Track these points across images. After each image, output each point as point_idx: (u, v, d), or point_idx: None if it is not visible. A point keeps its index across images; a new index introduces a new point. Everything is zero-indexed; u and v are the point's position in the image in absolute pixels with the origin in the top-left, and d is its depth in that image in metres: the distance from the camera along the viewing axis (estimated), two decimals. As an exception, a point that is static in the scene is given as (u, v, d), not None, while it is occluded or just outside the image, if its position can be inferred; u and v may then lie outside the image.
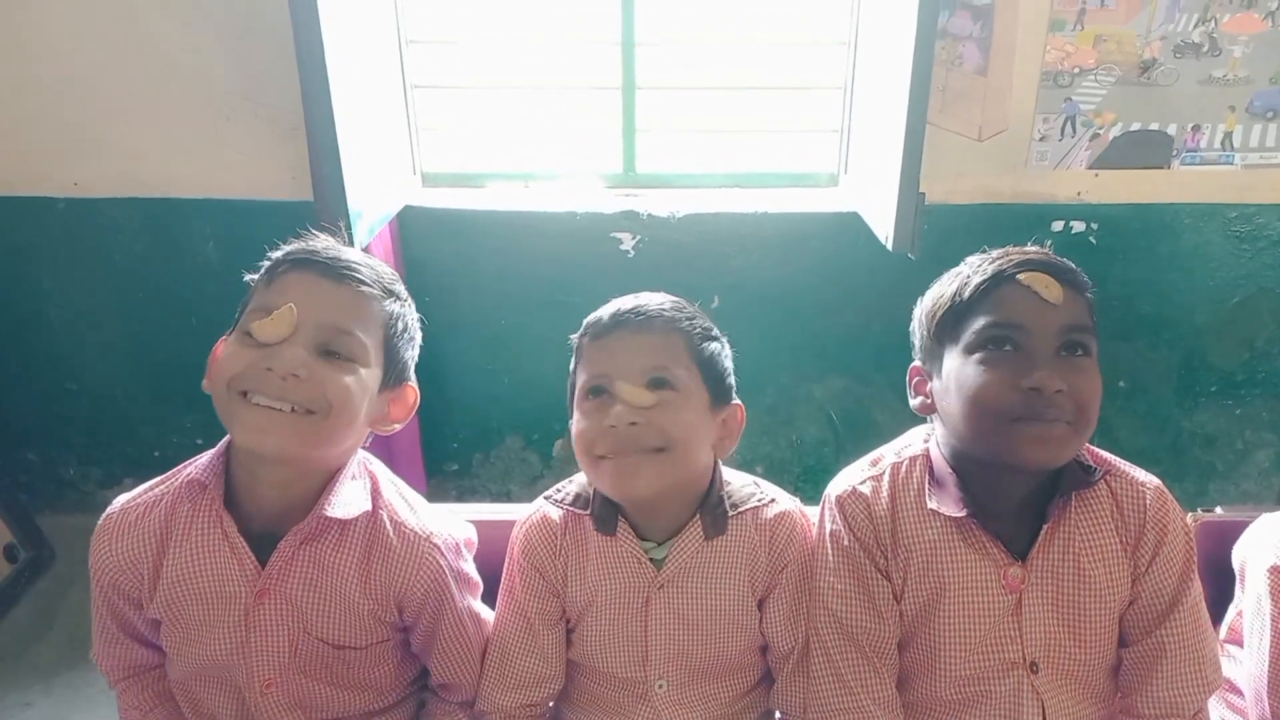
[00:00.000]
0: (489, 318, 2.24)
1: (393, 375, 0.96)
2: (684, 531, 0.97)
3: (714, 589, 0.98)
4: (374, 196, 1.90)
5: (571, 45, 2.28)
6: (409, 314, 0.98)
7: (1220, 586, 1.11)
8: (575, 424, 0.95)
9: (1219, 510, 1.16)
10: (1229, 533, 1.11)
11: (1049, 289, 0.88)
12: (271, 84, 2.03)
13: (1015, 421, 0.86)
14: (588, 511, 0.99)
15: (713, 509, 0.98)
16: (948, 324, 0.92)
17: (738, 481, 1.03)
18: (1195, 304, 2.26)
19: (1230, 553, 1.10)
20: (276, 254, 0.93)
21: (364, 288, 0.92)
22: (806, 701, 0.99)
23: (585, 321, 0.97)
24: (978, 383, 0.87)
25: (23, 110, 2.09)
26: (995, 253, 0.94)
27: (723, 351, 0.98)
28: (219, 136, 2.10)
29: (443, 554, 0.97)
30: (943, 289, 0.95)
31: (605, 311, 0.96)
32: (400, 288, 0.97)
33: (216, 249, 2.20)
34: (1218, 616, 1.11)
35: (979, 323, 0.89)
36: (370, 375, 0.92)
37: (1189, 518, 1.03)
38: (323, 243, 0.94)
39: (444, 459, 2.39)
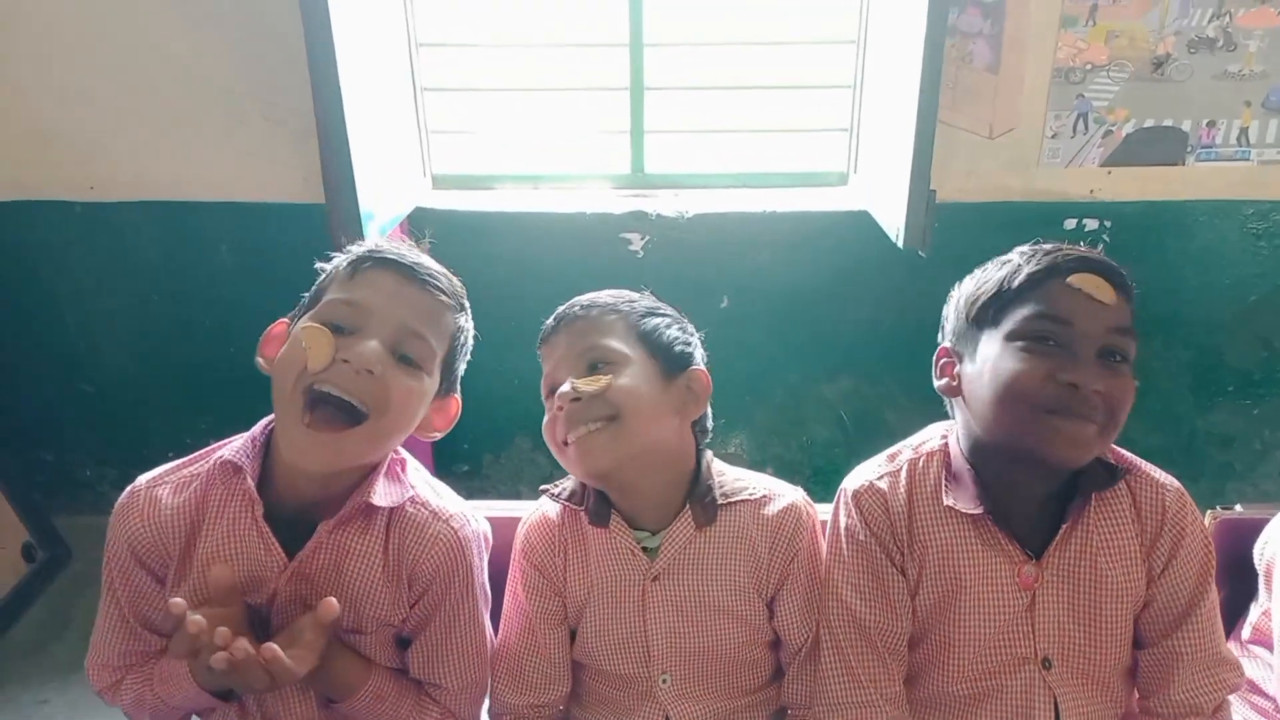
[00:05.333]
0: (499, 319, 2.21)
1: (445, 386, 0.98)
2: (676, 521, 0.98)
3: (710, 580, 0.98)
4: (385, 198, 1.91)
5: (580, 47, 2.29)
6: (470, 328, 1.00)
7: (1240, 585, 1.09)
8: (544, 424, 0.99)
9: (1239, 508, 1.14)
10: (1248, 531, 1.10)
11: (1100, 289, 0.87)
12: (283, 87, 2.04)
13: (1049, 414, 0.85)
14: (582, 506, 1.00)
15: (701, 498, 0.98)
16: (990, 309, 0.91)
17: (732, 474, 1.03)
18: (1211, 302, 2.23)
19: (1249, 551, 1.09)
20: (356, 248, 0.95)
21: (443, 297, 0.94)
22: (814, 694, 0.99)
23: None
24: (1016, 369, 0.87)
25: (39, 116, 2.12)
26: (1048, 245, 0.93)
27: (673, 324, 1.00)
28: (232, 140, 2.12)
29: (459, 536, 0.97)
30: (989, 274, 0.94)
31: (551, 318, 1.01)
32: (467, 302, 0.99)
33: (230, 251, 2.22)
34: (1239, 615, 1.11)
35: (1025, 311, 0.88)
36: (431, 384, 0.94)
37: (1207, 515, 1.01)
38: (404, 245, 0.96)
39: (454, 460, 2.40)
